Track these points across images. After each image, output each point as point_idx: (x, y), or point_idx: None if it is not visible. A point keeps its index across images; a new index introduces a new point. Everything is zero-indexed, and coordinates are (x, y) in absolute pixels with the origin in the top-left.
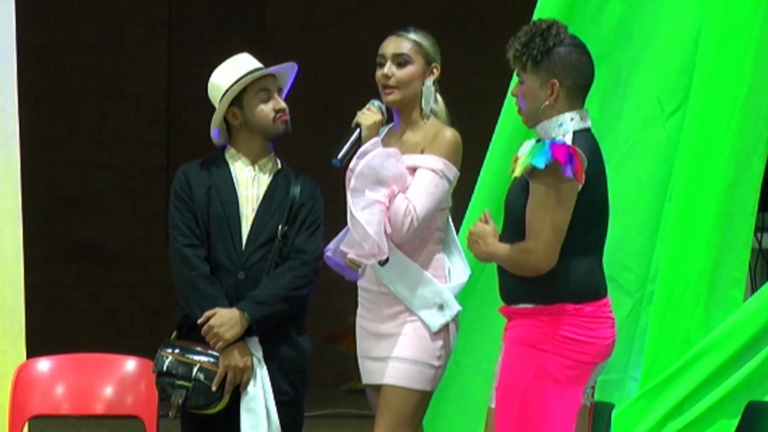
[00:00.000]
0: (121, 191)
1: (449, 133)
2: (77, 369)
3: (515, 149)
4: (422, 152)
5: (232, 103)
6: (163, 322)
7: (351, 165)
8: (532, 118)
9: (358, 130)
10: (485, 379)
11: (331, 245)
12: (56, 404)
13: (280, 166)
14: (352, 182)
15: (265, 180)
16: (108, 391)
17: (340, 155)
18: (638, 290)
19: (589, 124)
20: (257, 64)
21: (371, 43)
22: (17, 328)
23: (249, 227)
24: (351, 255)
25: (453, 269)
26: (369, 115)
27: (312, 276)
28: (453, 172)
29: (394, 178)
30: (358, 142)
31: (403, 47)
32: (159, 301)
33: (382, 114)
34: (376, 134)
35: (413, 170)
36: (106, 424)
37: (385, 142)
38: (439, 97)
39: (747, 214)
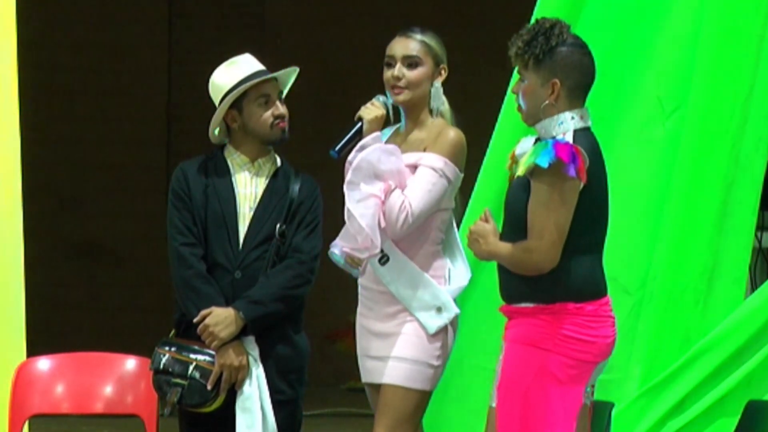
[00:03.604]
0: (121, 190)
1: (453, 133)
2: (77, 368)
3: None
4: (425, 150)
5: (231, 106)
6: (162, 322)
7: (349, 158)
8: (532, 117)
9: (359, 124)
10: (486, 378)
11: (336, 241)
12: (56, 403)
13: (279, 163)
14: (348, 175)
15: (263, 178)
16: (108, 390)
17: (338, 146)
18: (638, 290)
19: (589, 123)
20: (259, 66)
21: (371, 41)
22: (17, 328)
23: (246, 226)
24: (345, 248)
25: (454, 271)
26: (372, 109)
27: (308, 276)
28: (454, 172)
29: (390, 174)
30: (359, 136)
31: (413, 48)
32: (159, 300)
33: (387, 109)
34: (378, 129)
35: (414, 168)
36: (106, 422)
37: (391, 142)
38: (444, 99)
39: (747, 213)
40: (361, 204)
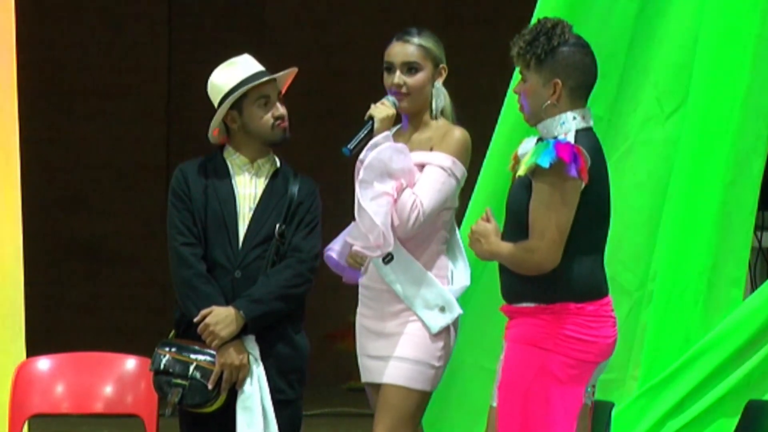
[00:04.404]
0: (121, 190)
1: (459, 132)
2: (77, 368)
3: (516, 147)
4: (431, 149)
5: (231, 107)
6: (162, 321)
7: (361, 156)
8: (534, 117)
9: (370, 123)
10: (487, 378)
11: (332, 245)
12: (56, 403)
13: (278, 164)
14: (360, 173)
15: (263, 179)
16: (108, 389)
17: (351, 145)
18: (638, 290)
19: (591, 123)
20: (258, 67)
21: (371, 40)
22: (17, 328)
23: (246, 226)
24: (356, 247)
25: (456, 272)
26: (382, 108)
27: (308, 275)
28: (461, 171)
29: (402, 172)
30: (370, 134)
31: (411, 54)
32: (159, 299)
33: (396, 109)
34: (388, 128)
35: (422, 167)
36: (106, 422)
37: (394, 141)
38: (445, 93)
39: (746, 212)
40: (374, 202)
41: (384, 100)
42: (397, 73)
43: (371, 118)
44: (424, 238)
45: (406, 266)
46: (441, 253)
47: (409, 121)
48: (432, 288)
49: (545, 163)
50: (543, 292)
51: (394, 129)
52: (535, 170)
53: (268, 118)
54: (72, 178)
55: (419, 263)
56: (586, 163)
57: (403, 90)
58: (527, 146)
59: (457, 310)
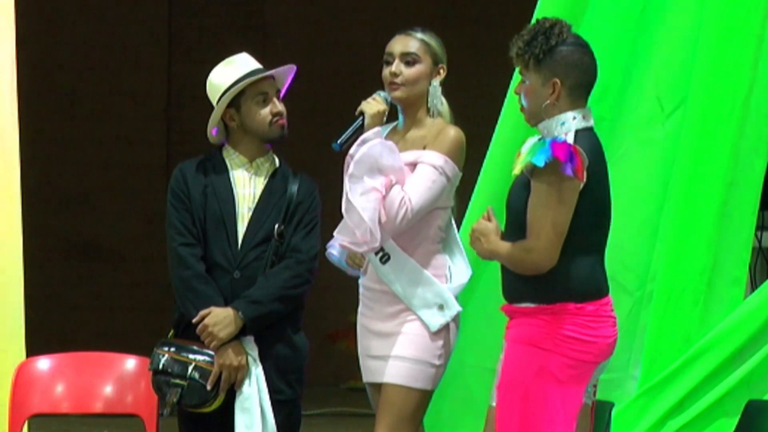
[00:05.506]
0: (121, 190)
1: (453, 132)
2: (77, 367)
3: (516, 147)
4: (425, 148)
5: (229, 105)
6: (162, 321)
7: (351, 151)
8: (534, 117)
9: (361, 118)
10: (488, 377)
11: (333, 242)
12: (56, 403)
13: (278, 164)
14: (350, 168)
15: (262, 179)
16: (108, 389)
17: (340, 140)
18: (638, 289)
19: (591, 123)
20: (256, 64)
21: (370, 40)
22: (17, 327)
23: (245, 226)
24: (344, 242)
25: (454, 269)
26: (374, 104)
27: (307, 275)
28: (453, 170)
29: (392, 169)
30: (361, 130)
31: (412, 46)
32: (159, 299)
33: (387, 104)
34: (380, 123)
35: (414, 166)
36: (106, 422)
37: (389, 139)
38: (443, 99)
39: (747, 212)
40: (363, 197)
41: (375, 96)
42: (396, 61)
43: (362, 113)
44: (415, 236)
45: (403, 266)
46: (436, 252)
47: (405, 116)
48: (430, 287)
49: (540, 162)
50: (543, 292)
51: (389, 127)
52: (533, 169)
53: (266, 114)
54: (72, 178)
55: (417, 263)
56: (583, 163)
57: (398, 80)
58: (529, 146)
59: (456, 308)
